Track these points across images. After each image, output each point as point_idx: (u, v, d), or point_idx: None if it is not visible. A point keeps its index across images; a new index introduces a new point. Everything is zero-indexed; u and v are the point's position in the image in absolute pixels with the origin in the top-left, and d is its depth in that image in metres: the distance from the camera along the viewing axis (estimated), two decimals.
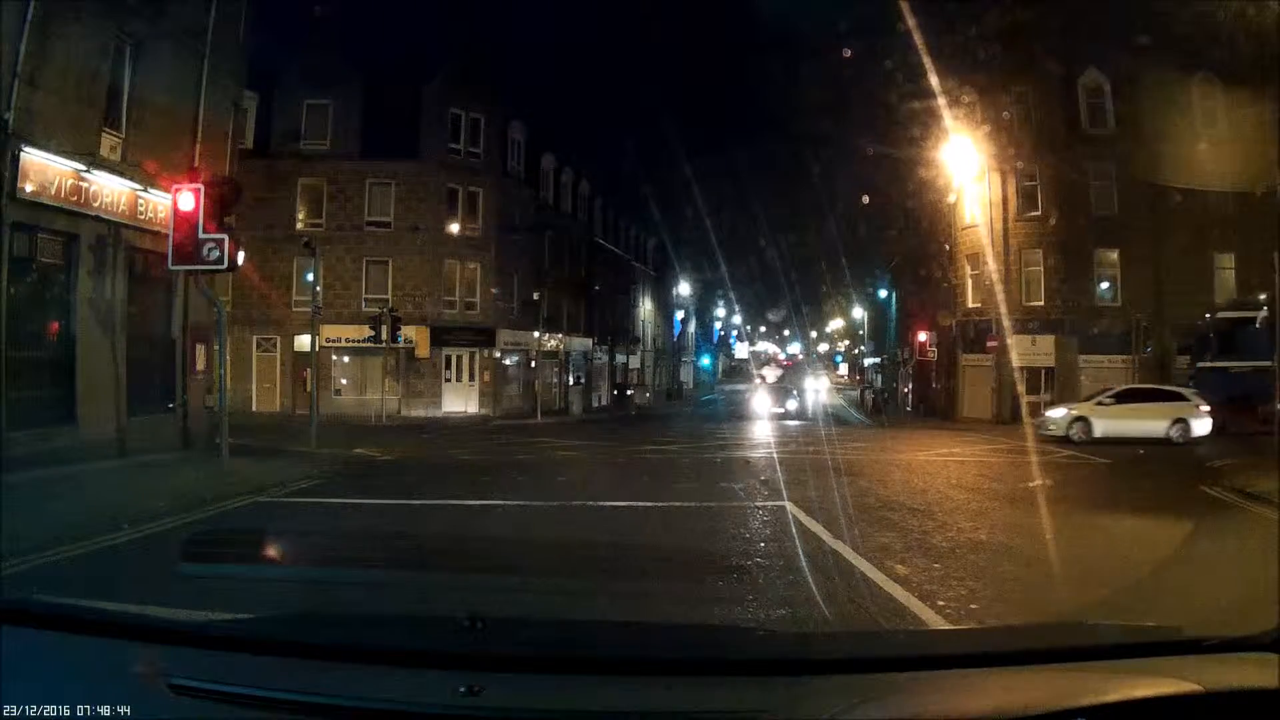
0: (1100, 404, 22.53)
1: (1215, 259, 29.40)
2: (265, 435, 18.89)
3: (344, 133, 31.77)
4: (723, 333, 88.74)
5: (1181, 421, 21.66)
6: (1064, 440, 20.91)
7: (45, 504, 9.18)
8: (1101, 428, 21.40)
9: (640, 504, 10.56)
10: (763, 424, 29.68)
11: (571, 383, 42.59)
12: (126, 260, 14.69)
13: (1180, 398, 22.93)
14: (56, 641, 2.04)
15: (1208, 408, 22.58)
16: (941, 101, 24.54)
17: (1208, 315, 27.01)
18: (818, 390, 41.07)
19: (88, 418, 13.73)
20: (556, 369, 41.20)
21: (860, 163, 36.71)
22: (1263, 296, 29.50)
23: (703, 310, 77.55)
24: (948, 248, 34.13)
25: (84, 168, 13.40)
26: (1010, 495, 11.46)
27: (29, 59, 12.21)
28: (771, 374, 61.69)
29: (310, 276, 23.07)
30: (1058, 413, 22.90)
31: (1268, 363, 24.81)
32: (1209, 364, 29.26)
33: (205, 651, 2.00)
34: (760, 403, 37.93)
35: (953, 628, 4.95)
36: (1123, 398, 22.69)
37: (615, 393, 44.52)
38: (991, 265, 29.99)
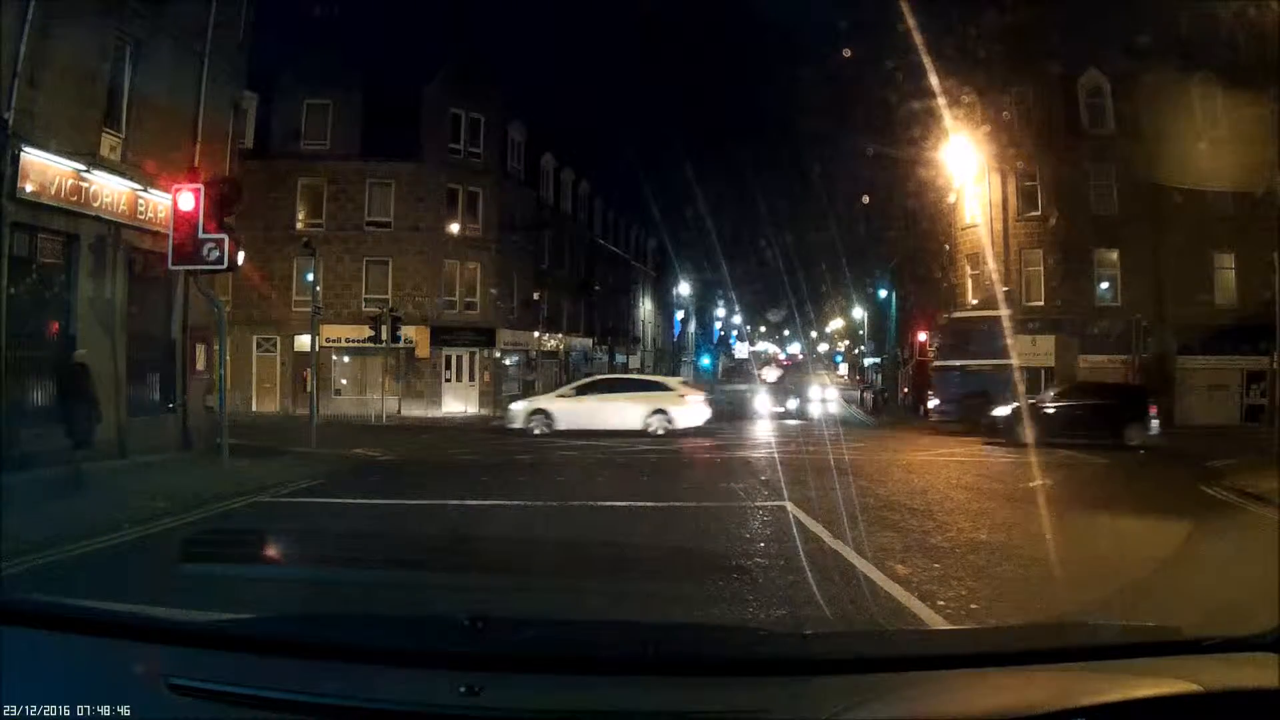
0: (562, 395, 22.18)
1: (1215, 259, 29.41)
2: (265, 435, 18.89)
3: (344, 133, 31.77)
4: (723, 333, 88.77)
5: (662, 412, 21.28)
6: (526, 433, 20.35)
7: (45, 504, 9.19)
8: (565, 420, 20.93)
9: (640, 504, 10.56)
10: (763, 423, 29.66)
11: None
12: (126, 260, 14.69)
13: (662, 387, 22.76)
14: (56, 641, 2.04)
15: (701, 397, 22.54)
16: (941, 101, 24.53)
17: (947, 316, 27.32)
18: (817, 390, 41.02)
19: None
20: (556, 369, 41.20)
21: (860, 163, 36.71)
22: (1006, 289, 30.58)
23: (703, 310, 77.61)
24: (948, 248, 34.12)
25: (84, 168, 13.40)
26: (1010, 495, 11.47)
27: (29, 59, 12.21)
28: (771, 374, 61.66)
29: (310, 276, 23.09)
30: (519, 405, 22.37)
31: (1001, 361, 26.00)
32: (944, 362, 30.13)
33: (205, 651, 2.00)
34: (760, 402, 37.92)
35: (953, 628, 4.95)
36: (593, 388, 22.40)
37: None
38: (991, 265, 29.98)
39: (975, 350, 28.00)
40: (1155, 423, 20.57)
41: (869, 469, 14.56)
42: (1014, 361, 27.37)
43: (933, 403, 29.37)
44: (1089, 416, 20.32)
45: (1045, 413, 20.30)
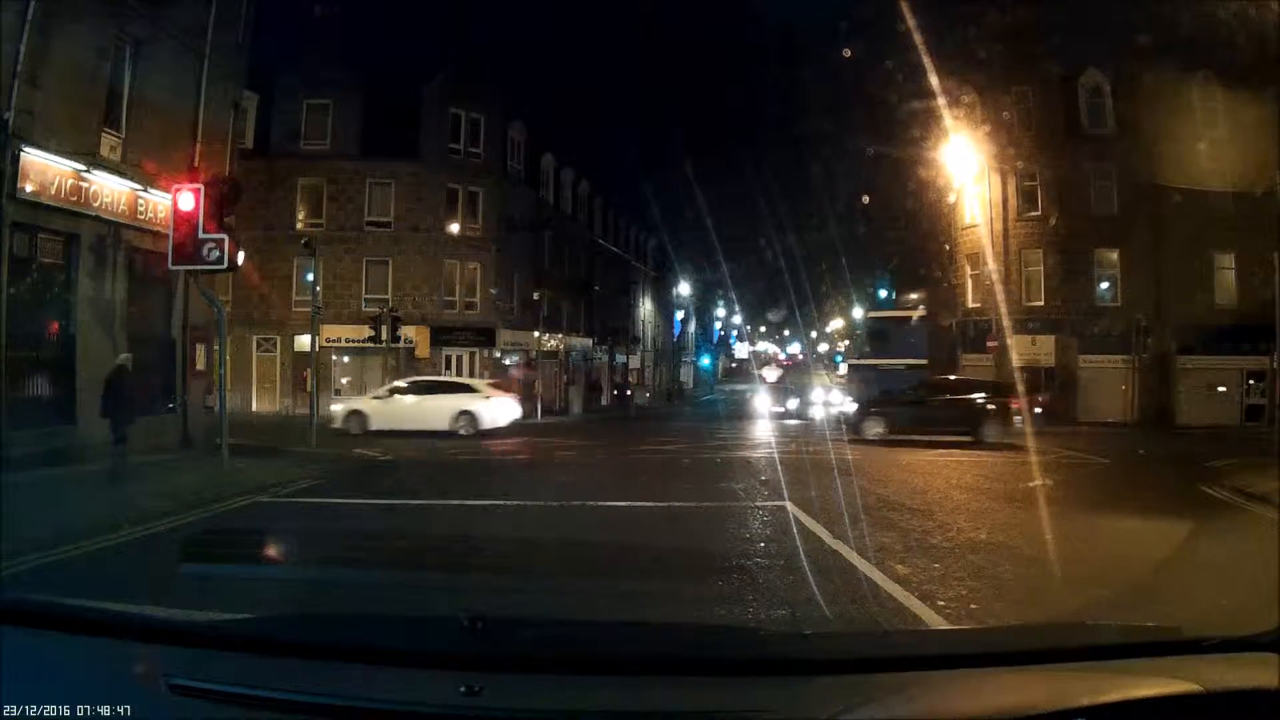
0: (377, 397, 22.75)
1: (1215, 259, 29.44)
2: (265, 435, 18.89)
3: (344, 133, 31.76)
4: (723, 333, 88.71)
5: (468, 414, 21.76)
6: (345, 434, 20.76)
7: (45, 504, 9.19)
8: (378, 421, 21.46)
9: (640, 504, 10.56)
10: (763, 423, 29.66)
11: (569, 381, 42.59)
12: (126, 260, 14.70)
13: (469, 389, 23.30)
14: (56, 641, 2.04)
15: (509, 398, 23.18)
16: (941, 101, 24.56)
17: (868, 316, 27.78)
18: (818, 390, 41.04)
19: (88, 418, 13.72)
20: (556, 369, 41.19)
21: (860, 163, 36.74)
22: (914, 296, 31.65)
23: (703, 310, 77.55)
24: (948, 248, 34.13)
25: (84, 168, 13.41)
26: (1010, 495, 11.46)
27: (29, 59, 12.21)
28: (771, 374, 61.66)
29: (310, 276, 23.08)
30: (338, 406, 23.11)
31: (916, 360, 26.60)
32: (859, 360, 30.69)
33: (205, 651, 2.00)
34: (760, 402, 37.92)
35: (953, 628, 4.95)
36: (408, 390, 22.91)
37: (615, 393, 44.47)
38: (991, 265, 30.00)
39: (891, 350, 29.12)
40: (1019, 419, 20.76)
41: (869, 469, 14.55)
42: (924, 361, 27.74)
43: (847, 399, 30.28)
44: (946, 413, 20.56)
45: (902, 408, 20.33)
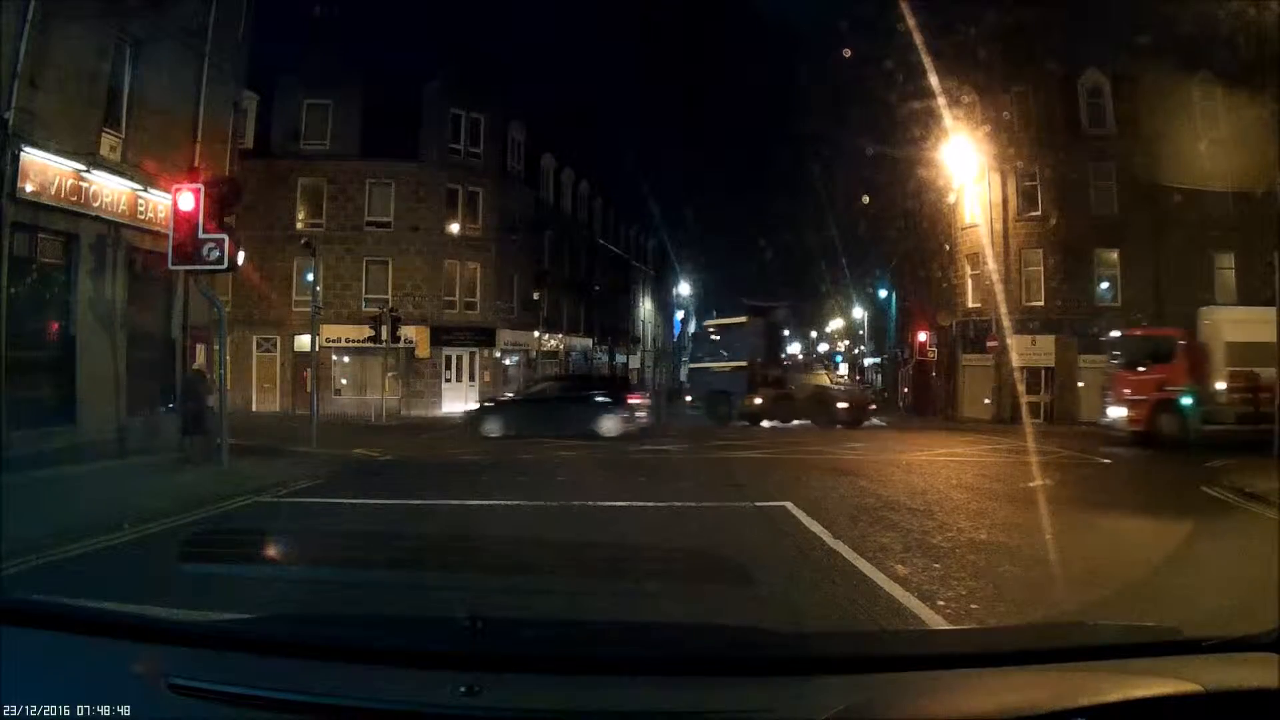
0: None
1: (1215, 259, 29.41)
2: (265, 435, 18.88)
3: (344, 133, 31.78)
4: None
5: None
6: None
7: (45, 504, 9.20)
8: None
9: (640, 504, 10.55)
10: (762, 424, 29.63)
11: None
12: (126, 260, 14.70)
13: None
14: (56, 641, 2.04)
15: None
16: (941, 101, 24.54)
17: (704, 324, 28.88)
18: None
19: (87, 418, 13.73)
20: (556, 369, 41.21)
21: (860, 163, 36.70)
22: (749, 303, 33.60)
23: (703, 310, 77.53)
24: (948, 248, 34.12)
25: (84, 168, 13.41)
26: (1010, 495, 11.46)
27: (29, 59, 12.21)
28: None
29: (310, 276, 23.09)
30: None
31: (739, 363, 28.91)
32: (696, 364, 32.10)
33: (205, 651, 2.00)
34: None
35: (953, 628, 4.95)
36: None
37: None
38: (991, 265, 29.99)
39: (719, 353, 30.73)
40: (639, 415, 21.39)
41: (869, 469, 14.55)
42: (744, 362, 28.80)
43: (687, 398, 32.87)
44: (562, 411, 20.90)
45: (522, 407, 20.45)
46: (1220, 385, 21.20)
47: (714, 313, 42.98)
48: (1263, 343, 20.49)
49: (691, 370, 32.83)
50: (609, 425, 20.35)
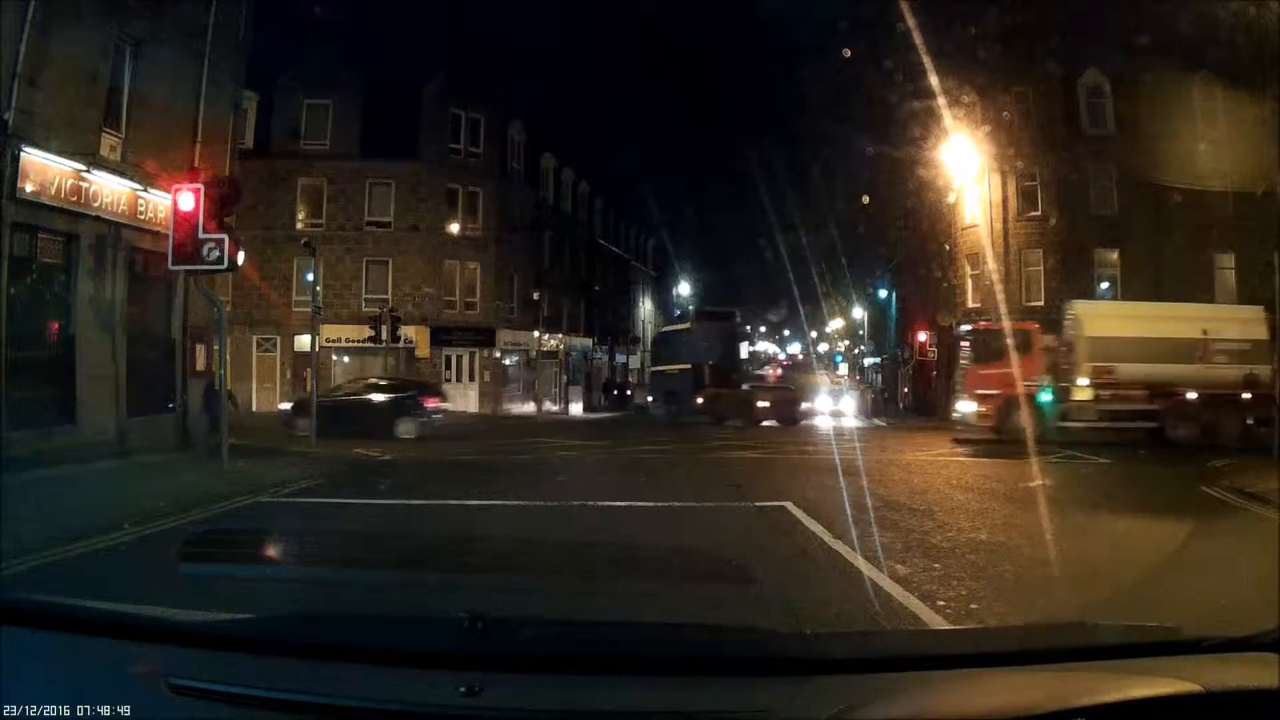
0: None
1: (1215, 259, 29.40)
2: (265, 435, 18.89)
3: (344, 133, 31.78)
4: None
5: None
6: None
7: (45, 504, 9.18)
8: None
9: (640, 504, 10.55)
10: (764, 425, 29.65)
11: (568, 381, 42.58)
12: (126, 260, 14.71)
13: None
14: (56, 641, 2.03)
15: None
16: (941, 101, 24.53)
17: (659, 330, 30.12)
18: (817, 390, 40.99)
19: (87, 418, 13.73)
20: (556, 369, 41.21)
21: (860, 163, 36.75)
22: (693, 308, 35.85)
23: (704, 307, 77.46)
24: (948, 248, 34.12)
25: (84, 168, 13.41)
26: (1010, 495, 11.46)
27: (29, 59, 12.22)
28: (771, 374, 61.65)
29: (310, 276, 23.07)
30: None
31: (684, 365, 30.79)
32: (655, 367, 35.29)
33: (205, 651, 1.99)
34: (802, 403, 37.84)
35: (953, 628, 4.95)
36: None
37: (614, 393, 44.44)
38: (991, 265, 29.99)
39: (672, 357, 32.39)
40: (437, 417, 21.75)
41: (869, 469, 14.55)
42: (689, 365, 29.69)
43: (649, 398, 35.26)
44: (366, 411, 21.17)
45: (331, 407, 20.67)
46: (1083, 381, 20.94)
47: (684, 314, 43.97)
48: (1127, 338, 20.47)
49: (652, 373, 35.00)
50: (406, 428, 20.81)
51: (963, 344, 23.74)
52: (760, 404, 29.01)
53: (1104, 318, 22.03)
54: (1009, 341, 21.60)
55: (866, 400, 42.97)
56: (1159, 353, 20.34)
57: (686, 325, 34.91)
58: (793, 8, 42.69)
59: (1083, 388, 20.84)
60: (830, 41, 38.67)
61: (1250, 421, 20.25)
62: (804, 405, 30.17)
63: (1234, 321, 21.66)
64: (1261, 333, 20.92)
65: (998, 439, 19.93)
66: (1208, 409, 20.46)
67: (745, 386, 31.01)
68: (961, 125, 28.52)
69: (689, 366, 30.68)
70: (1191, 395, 20.46)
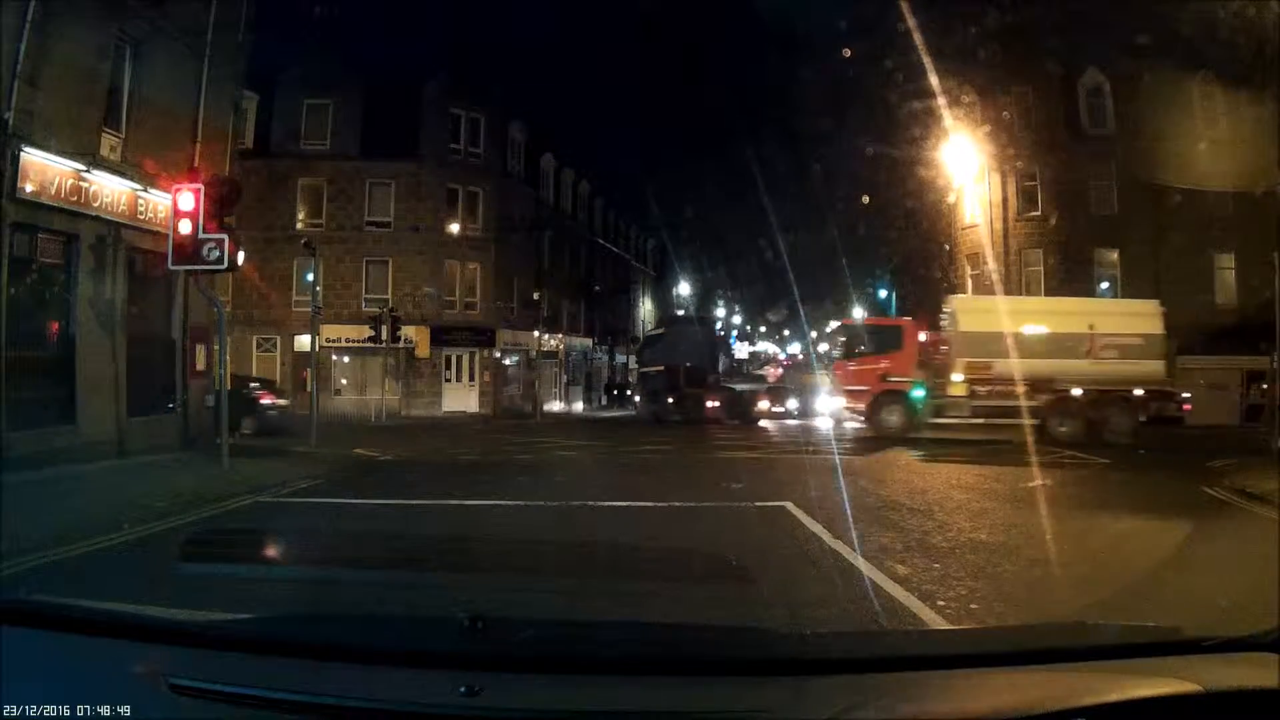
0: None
1: (1215, 259, 29.43)
2: (265, 435, 18.88)
3: (344, 133, 31.78)
4: (722, 332, 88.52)
5: None
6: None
7: (45, 504, 9.19)
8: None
9: (640, 504, 10.55)
10: (762, 424, 29.65)
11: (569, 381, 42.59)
12: (126, 260, 14.69)
13: None
14: (56, 641, 2.03)
15: None
16: (941, 101, 24.57)
17: (639, 333, 30.95)
18: (818, 390, 41.03)
19: (88, 418, 13.73)
20: (556, 369, 41.21)
21: (860, 163, 36.71)
22: (680, 313, 37.10)
23: (703, 310, 77.51)
24: (948, 248, 34.14)
25: (84, 168, 13.40)
26: (1010, 495, 11.45)
27: (29, 59, 12.20)
28: (771, 374, 61.65)
29: (310, 276, 23.08)
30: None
31: (659, 367, 31.93)
32: (641, 368, 36.11)
33: (205, 651, 1.99)
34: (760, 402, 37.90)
35: (953, 628, 4.95)
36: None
37: (614, 393, 44.44)
38: (991, 265, 30.02)
39: (654, 358, 33.36)
40: (273, 413, 21.92)
41: (869, 469, 14.56)
42: (665, 368, 31.17)
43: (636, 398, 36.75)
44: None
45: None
46: (957, 377, 20.75)
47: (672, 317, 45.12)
48: (1005, 333, 20.32)
49: (640, 374, 36.04)
50: (246, 422, 20.86)
51: (835, 340, 23.68)
52: (711, 404, 30.24)
53: (981, 313, 21.72)
54: (881, 337, 21.59)
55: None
56: (1041, 348, 20.14)
57: (660, 330, 36.93)
58: (793, 8, 42.63)
59: (957, 384, 20.70)
60: (830, 41, 38.67)
61: (1144, 419, 20.13)
62: (763, 405, 31.23)
63: (1126, 316, 21.47)
64: (1156, 328, 20.79)
65: (866, 435, 19.88)
66: (1095, 406, 20.28)
67: (724, 387, 32.05)
68: (961, 125, 28.56)
69: (664, 369, 31.74)
70: (1076, 391, 20.27)
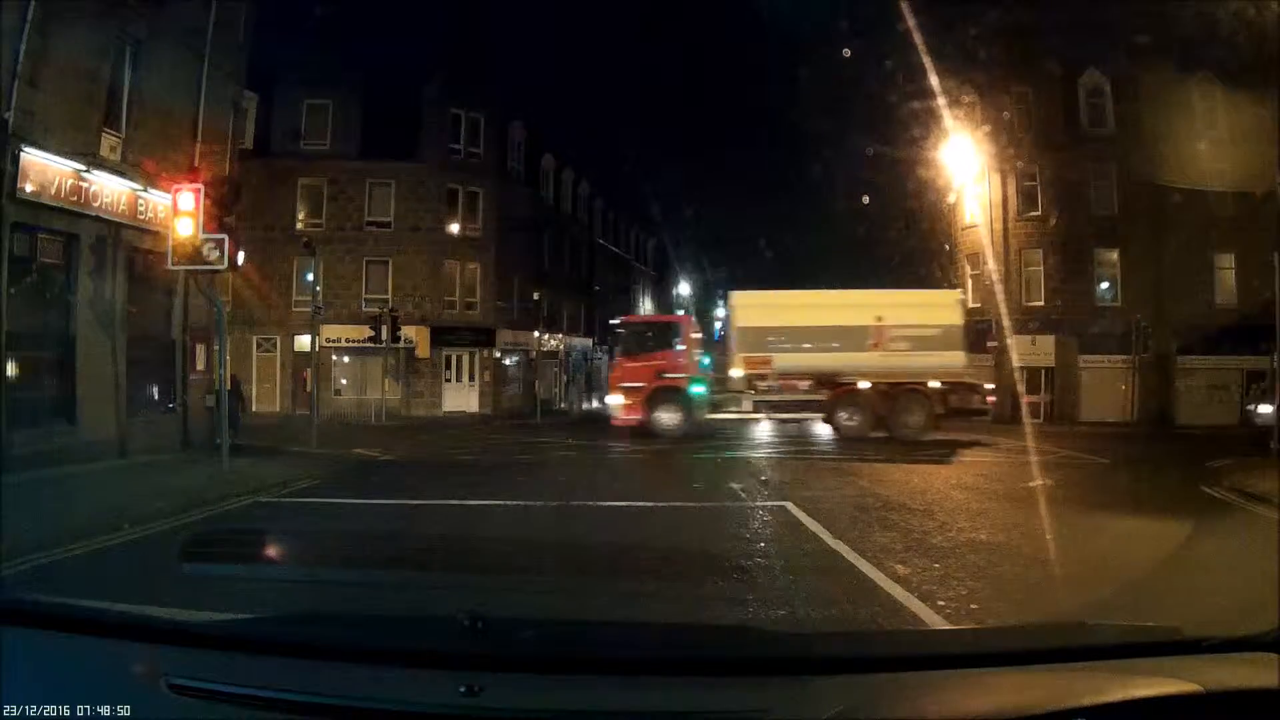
0: None
1: (1215, 259, 29.43)
2: (265, 435, 18.89)
3: (344, 133, 31.75)
4: (723, 333, 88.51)
5: None
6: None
7: (45, 504, 9.19)
8: None
9: (640, 504, 10.56)
10: (762, 424, 29.63)
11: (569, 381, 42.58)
12: (126, 260, 14.69)
13: None
14: (56, 641, 2.03)
15: None
16: (941, 101, 24.55)
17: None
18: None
19: (88, 418, 13.72)
20: (556, 369, 41.19)
21: (860, 163, 36.68)
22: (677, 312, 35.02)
23: (703, 310, 77.53)
24: (948, 248, 34.14)
25: (84, 168, 13.40)
26: (1009, 495, 11.46)
27: (29, 59, 12.20)
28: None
29: (310, 276, 23.07)
30: None
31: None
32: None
33: (205, 651, 1.99)
34: None
35: (952, 628, 4.94)
36: None
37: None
38: (991, 265, 30.00)
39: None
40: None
41: (868, 469, 14.56)
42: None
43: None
44: None
45: None
46: (735, 373, 20.64)
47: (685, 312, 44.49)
48: (786, 327, 20.28)
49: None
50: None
51: (614, 337, 23.70)
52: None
53: (759, 308, 21.62)
54: (657, 334, 21.60)
55: None
56: (824, 342, 20.09)
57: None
58: (793, 7, 42.61)
59: (735, 380, 20.64)
60: (830, 41, 38.64)
61: (943, 412, 19.95)
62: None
63: (921, 307, 21.29)
64: (955, 318, 20.63)
65: (643, 433, 19.76)
66: (885, 398, 20.13)
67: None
68: (962, 125, 28.55)
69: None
70: (863, 385, 20.15)
